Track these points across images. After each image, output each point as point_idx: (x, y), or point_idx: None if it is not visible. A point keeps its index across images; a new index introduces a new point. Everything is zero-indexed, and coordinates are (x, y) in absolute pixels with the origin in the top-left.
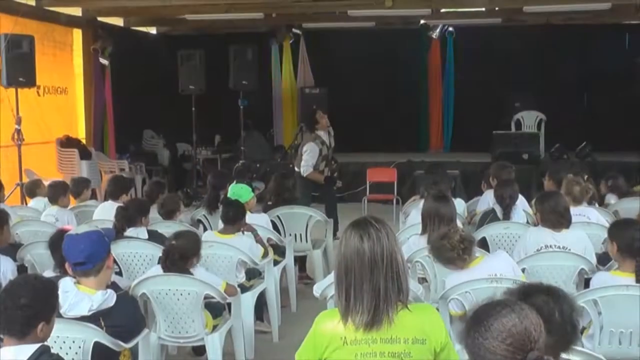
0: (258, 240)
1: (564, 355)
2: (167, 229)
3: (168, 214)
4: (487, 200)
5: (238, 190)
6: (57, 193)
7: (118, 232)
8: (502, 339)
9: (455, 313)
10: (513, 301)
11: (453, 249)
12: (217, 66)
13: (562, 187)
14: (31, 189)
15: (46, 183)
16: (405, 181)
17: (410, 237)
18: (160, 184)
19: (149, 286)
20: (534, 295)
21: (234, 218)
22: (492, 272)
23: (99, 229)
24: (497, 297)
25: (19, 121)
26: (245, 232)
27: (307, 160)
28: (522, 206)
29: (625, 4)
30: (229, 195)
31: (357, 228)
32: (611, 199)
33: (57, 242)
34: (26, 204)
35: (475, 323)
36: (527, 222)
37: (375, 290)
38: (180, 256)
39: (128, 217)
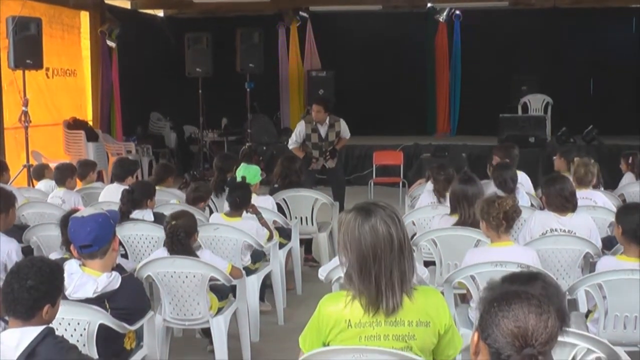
0: (262, 223)
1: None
2: (173, 211)
3: (197, 199)
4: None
5: (247, 171)
6: (64, 175)
7: (123, 214)
8: (515, 321)
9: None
10: (547, 303)
11: (499, 213)
12: (223, 49)
13: (575, 169)
14: (39, 172)
15: (53, 165)
16: (411, 164)
17: (443, 216)
18: (169, 167)
19: (154, 268)
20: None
21: (242, 202)
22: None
23: (105, 212)
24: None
25: (25, 103)
26: (250, 213)
27: (292, 136)
28: (526, 188)
29: None
30: (239, 174)
31: (378, 214)
32: (629, 178)
33: (69, 221)
34: (33, 186)
35: (503, 298)
36: (532, 205)
37: (402, 273)
38: (185, 234)
39: (134, 200)
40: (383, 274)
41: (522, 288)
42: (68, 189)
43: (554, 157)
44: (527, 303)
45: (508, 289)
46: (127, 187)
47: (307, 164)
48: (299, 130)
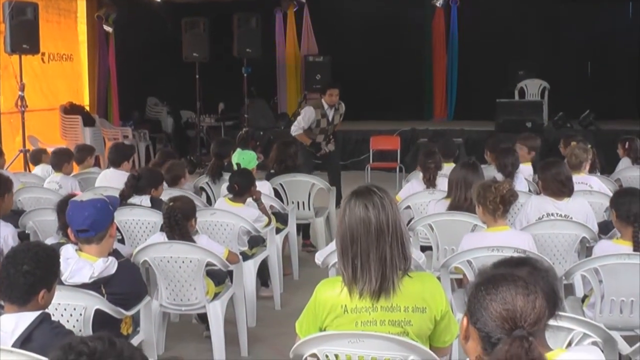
0: (261, 208)
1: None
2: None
3: (173, 179)
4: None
5: (244, 156)
6: (61, 160)
7: (123, 199)
8: (503, 303)
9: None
10: (533, 283)
11: (495, 197)
12: (221, 34)
13: (567, 154)
14: (36, 157)
15: (49, 150)
16: (408, 149)
17: (438, 200)
18: (170, 153)
19: (151, 253)
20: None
21: (240, 189)
22: (511, 245)
23: (104, 197)
24: (518, 272)
25: (22, 88)
26: (254, 200)
27: (299, 121)
28: (524, 174)
29: None
30: (234, 160)
31: (361, 197)
32: (626, 162)
33: (65, 205)
34: (30, 171)
35: (489, 282)
36: (530, 190)
37: (382, 258)
38: (182, 216)
39: (137, 187)
40: (359, 257)
41: (509, 271)
42: (65, 174)
43: (559, 146)
44: (514, 285)
45: (495, 273)
46: (133, 173)
47: (316, 150)
48: (308, 116)
